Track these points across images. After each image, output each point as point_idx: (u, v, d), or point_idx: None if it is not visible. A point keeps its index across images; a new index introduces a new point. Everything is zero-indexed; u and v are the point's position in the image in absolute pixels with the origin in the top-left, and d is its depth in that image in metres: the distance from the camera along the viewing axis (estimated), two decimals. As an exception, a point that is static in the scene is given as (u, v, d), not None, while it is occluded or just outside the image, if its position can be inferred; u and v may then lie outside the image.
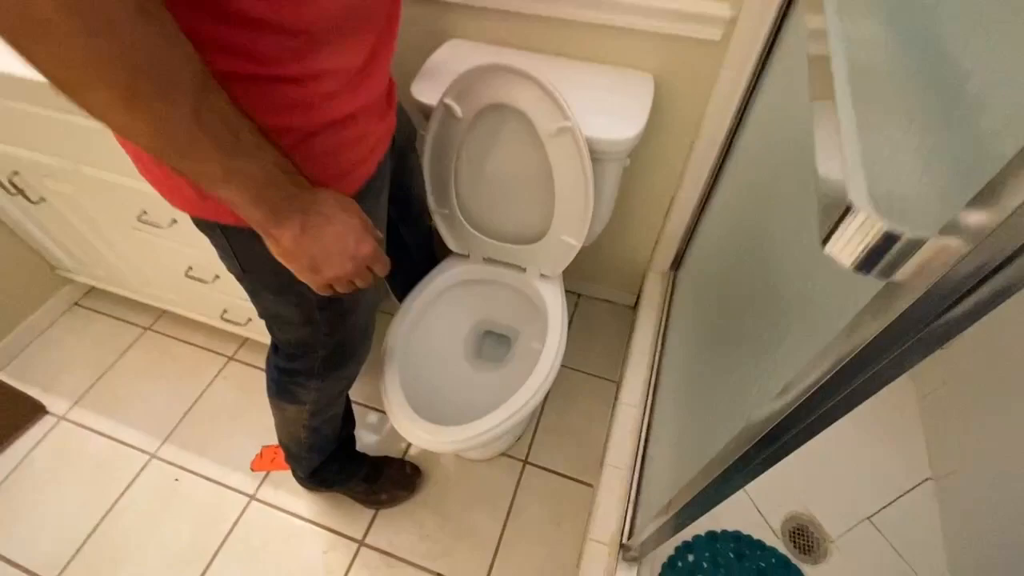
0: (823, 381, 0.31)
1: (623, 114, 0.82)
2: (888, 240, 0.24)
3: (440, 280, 1.01)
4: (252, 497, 1.11)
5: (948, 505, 1.03)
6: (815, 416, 0.34)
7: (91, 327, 1.39)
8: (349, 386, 0.85)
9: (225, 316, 1.17)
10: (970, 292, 0.23)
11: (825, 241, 0.27)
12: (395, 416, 0.84)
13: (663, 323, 1.16)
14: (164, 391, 1.27)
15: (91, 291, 1.46)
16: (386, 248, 0.68)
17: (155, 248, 1.04)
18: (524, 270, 1.01)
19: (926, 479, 1.07)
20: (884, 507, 1.05)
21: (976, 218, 0.21)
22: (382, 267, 0.54)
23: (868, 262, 0.25)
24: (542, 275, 1.00)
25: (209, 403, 1.25)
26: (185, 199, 0.52)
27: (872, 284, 0.27)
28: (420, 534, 1.05)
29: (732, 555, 0.99)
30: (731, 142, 0.92)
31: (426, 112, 0.85)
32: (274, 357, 0.78)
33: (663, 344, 1.12)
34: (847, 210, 0.25)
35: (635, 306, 1.39)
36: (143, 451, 1.17)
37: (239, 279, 0.63)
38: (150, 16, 0.32)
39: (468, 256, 1.03)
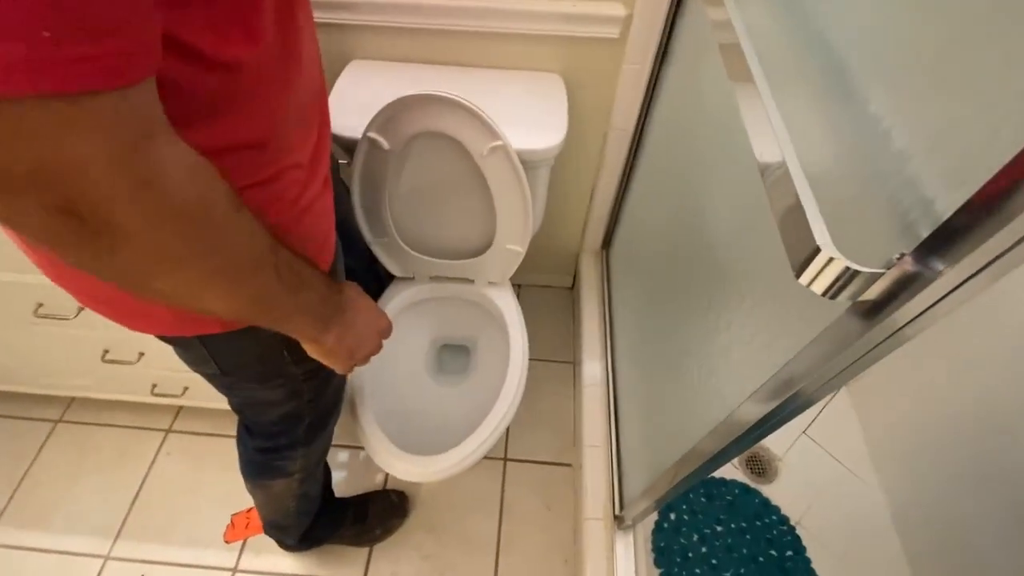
0: (800, 388, 0.37)
1: (545, 120, 0.84)
2: (850, 274, 0.29)
3: (390, 308, 0.99)
4: (235, 571, 1.05)
5: (861, 405, 1.22)
6: (789, 410, 0.40)
7: (-14, 435, 1.21)
8: (331, 441, 0.83)
9: (156, 391, 1.07)
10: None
11: (798, 275, 0.31)
12: (378, 455, 0.83)
13: (606, 300, 1.24)
14: (98, 484, 1.14)
15: (-26, 394, 1.26)
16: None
17: (60, 339, 0.92)
18: (472, 281, 1.02)
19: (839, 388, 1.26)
20: (813, 420, 1.22)
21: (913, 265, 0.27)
22: (389, 331, 0.58)
23: (835, 292, 0.30)
24: (490, 283, 1.02)
25: (157, 484, 1.15)
26: (154, 323, 0.48)
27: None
28: (421, 555, 1.07)
29: (704, 499, 1.11)
30: (642, 128, 0.99)
31: (344, 144, 0.82)
32: (250, 440, 0.74)
33: (611, 320, 1.19)
34: (815, 251, 0.30)
35: (572, 287, 1.45)
36: (95, 555, 1.06)
37: (212, 378, 0.59)
38: (241, 207, 0.34)
39: (413, 278, 1.02)
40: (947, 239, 0.26)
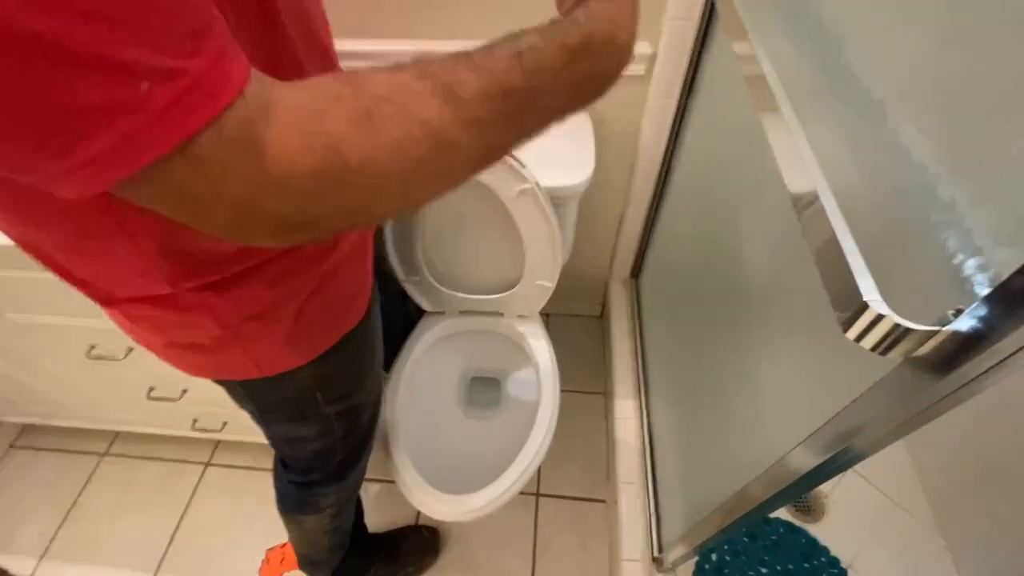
0: (853, 441, 0.36)
1: (572, 158, 0.85)
2: (901, 331, 0.28)
3: (421, 342, 1.00)
4: (270, 606, 1.05)
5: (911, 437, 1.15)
6: (842, 462, 0.39)
7: (37, 468, 1.26)
8: (363, 476, 0.84)
9: (196, 426, 1.10)
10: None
11: (845, 329, 0.31)
12: (412, 493, 0.83)
13: (637, 330, 1.22)
14: (141, 518, 1.17)
15: (27, 429, 1.31)
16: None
17: (109, 378, 0.96)
18: (502, 315, 1.03)
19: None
20: (861, 453, 1.16)
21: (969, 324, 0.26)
22: None
23: (886, 349, 0.29)
24: (520, 316, 1.02)
25: (196, 518, 1.17)
26: (200, 368, 0.51)
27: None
28: (453, 595, 1.05)
29: (746, 539, 1.06)
30: (670, 159, 0.99)
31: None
32: (286, 474, 0.75)
33: (643, 351, 1.18)
34: (863, 307, 0.29)
35: (602, 315, 1.44)
36: (135, 590, 1.08)
37: (252, 414, 0.62)
38: (450, 96, 0.28)
39: (444, 312, 1.03)
40: (1007, 299, 0.25)
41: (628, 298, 1.29)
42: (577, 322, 1.45)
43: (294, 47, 0.38)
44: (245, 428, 1.08)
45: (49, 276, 0.41)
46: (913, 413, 0.33)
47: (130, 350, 0.87)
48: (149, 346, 0.51)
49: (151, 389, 0.98)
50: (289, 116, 0.24)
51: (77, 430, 1.23)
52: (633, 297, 1.29)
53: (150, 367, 0.91)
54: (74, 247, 0.38)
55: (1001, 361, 0.26)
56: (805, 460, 0.44)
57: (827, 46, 0.49)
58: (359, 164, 0.25)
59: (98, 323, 0.81)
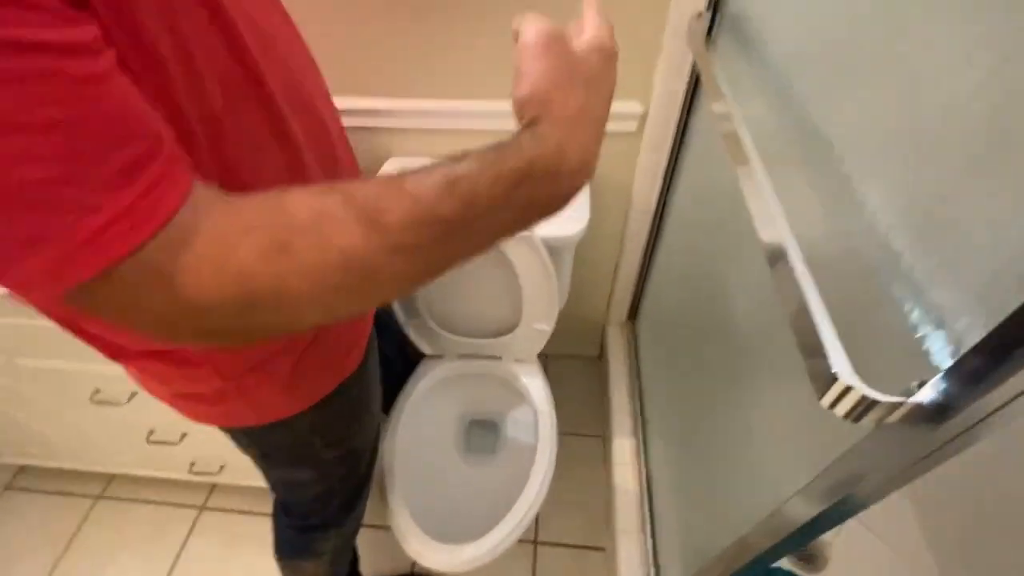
0: (851, 492, 0.37)
1: (567, 210, 0.89)
2: (869, 403, 0.30)
3: (420, 386, 1.01)
4: (260, 659, 1.02)
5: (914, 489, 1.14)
6: (843, 511, 0.40)
7: (31, 510, 1.24)
8: (360, 522, 0.83)
9: (194, 469, 1.10)
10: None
11: (820, 396, 0.32)
12: (408, 543, 0.83)
13: (635, 373, 1.23)
14: (134, 562, 1.15)
15: (23, 470, 1.31)
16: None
17: (110, 421, 0.97)
18: (500, 358, 1.04)
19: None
20: (862, 500, 1.15)
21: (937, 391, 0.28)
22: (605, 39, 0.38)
23: (857, 417, 0.31)
24: (517, 360, 1.04)
25: (189, 564, 1.15)
26: (204, 416, 0.53)
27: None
28: (448, 648, 1.02)
29: (749, 587, 1.04)
30: (663, 208, 1.02)
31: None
32: (285, 519, 0.76)
33: (641, 395, 1.18)
34: (832, 378, 0.31)
35: (600, 356, 1.45)
36: (123, 641, 1.05)
37: (254, 458, 0.63)
38: (375, 225, 0.29)
39: (443, 356, 1.05)
40: (965, 375, 0.27)
41: (625, 341, 1.30)
42: (575, 363, 1.46)
43: (279, 108, 0.40)
44: (242, 471, 1.08)
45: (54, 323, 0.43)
46: (900, 469, 0.34)
47: (133, 394, 0.88)
48: (158, 395, 0.54)
49: (151, 432, 0.98)
50: (205, 247, 0.26)
51: (73, 472, 1.22)
52: (630, 339, 1.30)
53: (151, 411, 0.92)
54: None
55: (968, 428, 0.28)
56: (804, 509, 0.44)
57: (798, 109, 0.53)
58: (270, 291, 0.27)
59: (103, 368, 0.83)
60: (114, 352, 0.47)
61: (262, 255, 0.26)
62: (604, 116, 0.35)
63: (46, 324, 0.75)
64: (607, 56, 0.35)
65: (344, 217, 0.27)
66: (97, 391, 0.88)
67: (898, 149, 0.38)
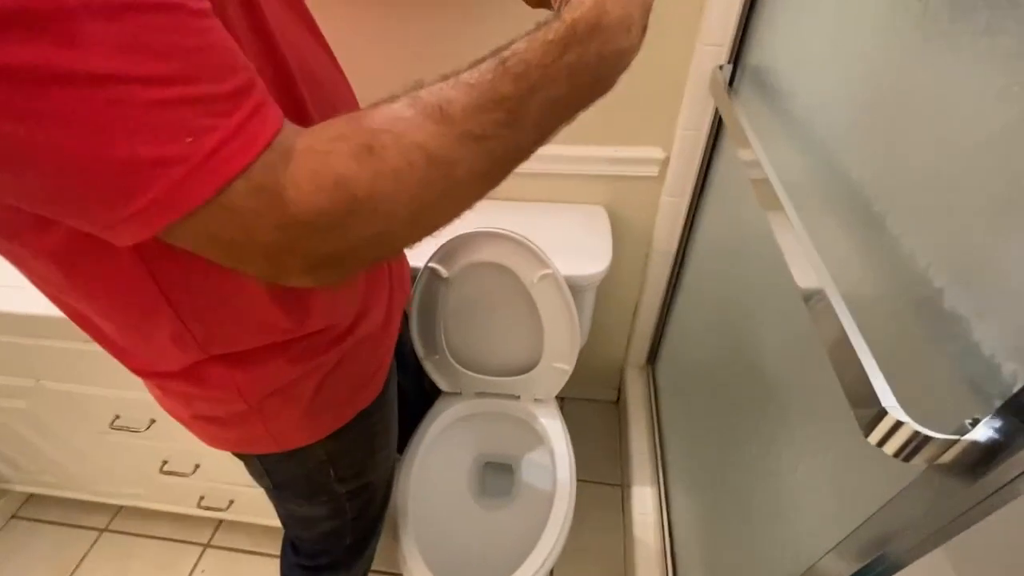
0: (888, 549, 0.35)
1: (591, 249, 0.90)
2: (921, 439, 0.29)
3: (436, 424, 1.00)
4: None
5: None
6: (879, 570, 0.38)
7: (36, 540, 1.22)
8: (371, 565, 0.81)
9: (203, 503, 1.08)
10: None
11: (866, 434, 0.31)
12: (420, 590, 0.79)
13: (654, 420, 1.20)
14: (133, 602, 1.11)
15: (31, 499, 1.29)
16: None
17: (126, 449, 0.96)
18: (518, 398, 1.03)
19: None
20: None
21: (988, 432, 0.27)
22: None
23: (908, 456, 0.30)
24: (536, 399, 1.02)
25: (189, 605, 1.11)
26: (222, 440, 0.53)
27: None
28: None
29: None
30: (684, 251, 1.03)
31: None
32: (294, 557, 0.73)
33: (661, 443, 1.15)
34: (882, 413, 0.30)
35: (618, 401, 1.42)
36: None
37: (267, 490, 0.62)
38: (444, 118, 0.30)
39: (460, 393, 1.04)
40: (1019, 410, 0.26)
41: (644, 384, 1.28)
42: (593, 407, 1.43)
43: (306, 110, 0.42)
44: (251, 508, 1.06)
45: (84, 346, 0.44)
46: (948, 520, 0.32)
47: (152, 422, 0.88)
48: (178, 417, 0.54)
49: (164, 463, 0.97)
50: (301, 159, 0.27)
51: (81, 502, 1.21)
52: (649, 383, 1.28)
53: (168, 440, 0.92)
54: (116, 313, 0.41)
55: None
56: (838, 569, 0.42)
57: (824, 153, 0.54)
58: (366, 195, 0.28)
59: (126, 394, 0.84)
60: (140, 369, 0.47)
61: (352, 157, 0.28)
62: None
63: (75, 347, 0.77)
64: None
65: (413, 116, 0.29)
66: (117, 417, 0.88)
67: (930, 190, 0.39)
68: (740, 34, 0.73)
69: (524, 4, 0.46)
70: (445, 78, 0.30)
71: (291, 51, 0.39)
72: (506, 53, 0.30)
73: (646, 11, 0.35)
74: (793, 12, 0.62)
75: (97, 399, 0.86)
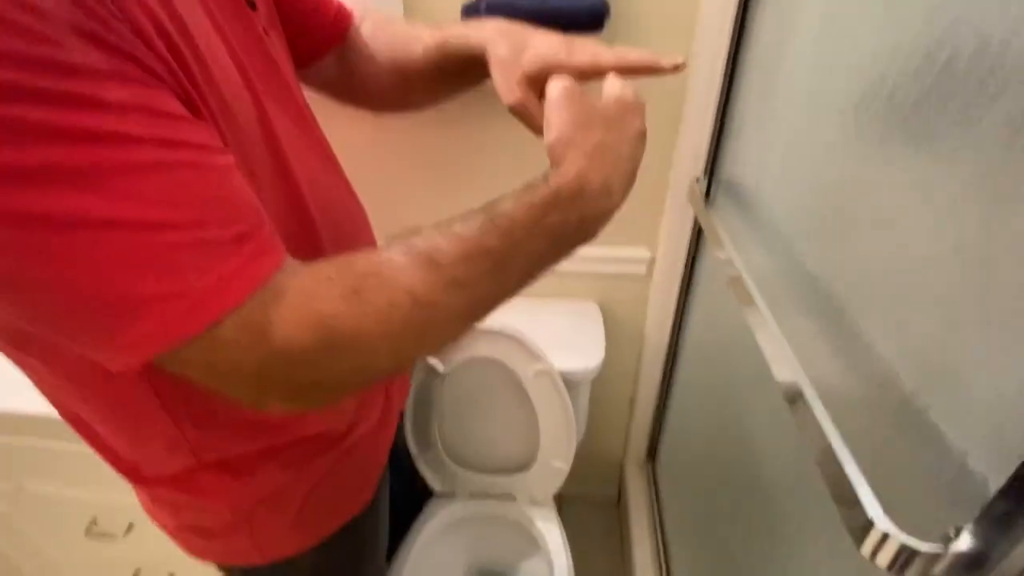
0: None
1: (584, 344, 0.92)
2: (909, 553, 0.29)
3: (427, 529, 0.95)
4: None
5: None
6: None
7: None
8: None
9: (172, 620, 0.99)
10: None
11: (858, 545, 0.31)
12: None
13: (657, 523, 1.14)
14: None
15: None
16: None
17: (98, 558, 0.91)
18: (514, 498, 0.99)
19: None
20: None
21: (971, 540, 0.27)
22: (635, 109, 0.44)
23: (900, 569, 0.30)
24: (533, 501, 0.98)
25: None
26: (207, 551, 0.51)
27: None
28: None
29: None
30: (675, 346, 1.05)
31: (403, 366, 0.90)
32: None
33: (665, 547, 1.09)
34: (869, 524, 0.30)
35: (618, 501, 1.36)
36: None
37: None
38: (430, 264, 0.33)
39: (454, 494, 1.00)
40: (997, 520, 0.27)
41: (645, 483, 1.24)
42: (592, 509, 1.37)
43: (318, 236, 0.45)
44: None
45: (68, 445, 0.44)
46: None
47: (130, 526, 0.84)
48: (164, 525, 0.52)
49: (137, 572, 0.91)
50: (290, 299, 0.29)
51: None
52: (650, 482, 1.23)
53: (144, 548, 0.87)
54: (113, 417, 0.42)
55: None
56: None
57: (796, 256, 0.57)
58: (349, 333, 0.30)
59: (105, 496, 0.81)
60: (131, 472, 0.47)
61: (339, 299, 0.30)
62: (626, 151, 0.41)
63: (58, 446, 0.76)
64: (625, 105, 0.41)
65: (405, 262, 0.32)
66: (94, 523, 0.84)
67: (895, 295, 0.41)
68: (713, 150, 0.82)
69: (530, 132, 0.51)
70: (438, 227, 0.34)
71: (308, 183, 0.43)
72: (495, 211, 0.34)
73: (626, 176, 0.40)
74: (754, 131, 0.70)
75: (76, 502, 0.83)
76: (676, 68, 0.45)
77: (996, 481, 0.28)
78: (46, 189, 0.24)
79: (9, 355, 0.38)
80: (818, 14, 0.54)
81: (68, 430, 0.44)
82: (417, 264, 0.32)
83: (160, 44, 0.28)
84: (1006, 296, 0.31)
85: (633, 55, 0.45)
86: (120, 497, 0.81)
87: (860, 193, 0.46)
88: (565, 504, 1.37)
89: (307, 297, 0.30)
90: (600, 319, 0.98)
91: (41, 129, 0.23)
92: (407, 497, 0.99)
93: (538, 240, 0.35)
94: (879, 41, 0.41)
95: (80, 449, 0.47)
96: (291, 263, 0.31)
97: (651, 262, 0.96)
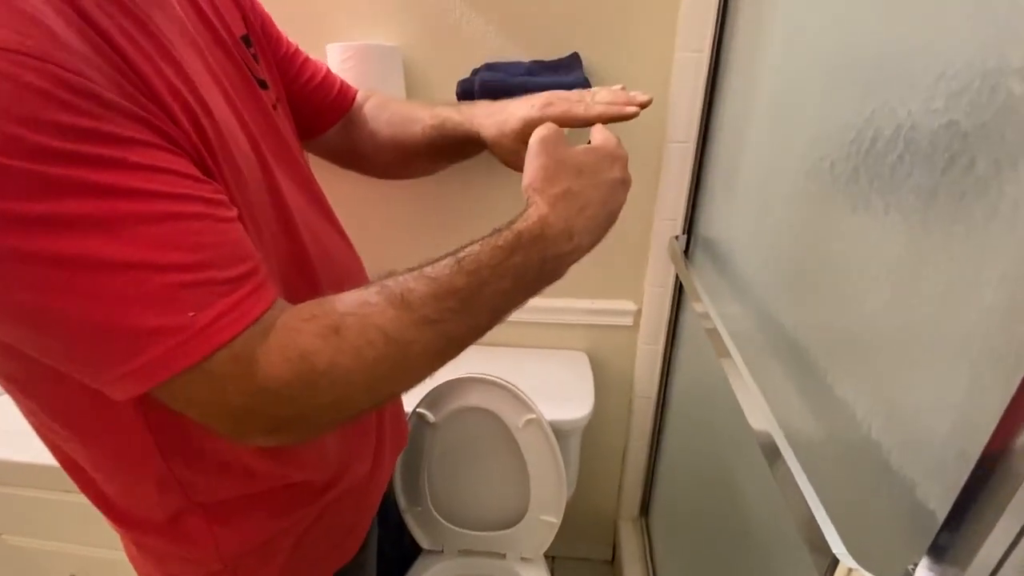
0: None
1: (574, 393, 0.94)
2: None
3: (416, 587, 0.92)
4: None
5: None
6: None
7: None
8: None
9: None
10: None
11: (825, 581, 0.33)
12: None
13: (651, 582, 1.11)
14: None
15: None
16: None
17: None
18: (504, 556, 0.97)
19: None
20: None
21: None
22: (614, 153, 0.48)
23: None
24: (523, 558, 0.96)
25: None
26: None
27: None
28: None
29: None
30: (664, 396, 1.07)
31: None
32: None
33: (659, 609, 1.05)
34: (834, 562, 0.32)
35: (612, 560, 1.32)
36: None
37: None
38: (402, 304, 0.36)
39: (442, 551, 0.98)
40: (945, 549, 0.29)
41: (639, 540, 1.21)
42: (586, 568, 1.33)
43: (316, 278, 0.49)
44: None
45: (50, 495, 0.44)
46: None
47: (109, 584, 0.81)
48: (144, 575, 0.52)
49: (110, 637, 0.87)
50: (276, 334, 0.32)
51: None
52: (644, 539, 1.21)
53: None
54: (107, 456, 0.43)
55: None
56: None
57: (767, 309, 0.61)
58: (326, 368, 0.33)
59: (85, 551, 0.79)
60: (120, 518, 0.47)
61: (318, 335, 0.33)
62: (597, 197, 0.43)
63: (41, 496, 0.75)
64: (603, 154, 0.45)
65: (379, 301, 0.35)
66: (72, 579, 0.82)
67: (852, 340, 0.45)
68: (690, 210, 0.87)
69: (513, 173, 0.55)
70: (411, 270, 0.37)
71: (308, 232, 0.48)
72: (462, 253, 0.38)
73: (594, 220, 0.43)
74: (725, 194, 0.76)
75: (56, 556, 0.80)
76: (643, 106, 0.51)
77: (943, 514, 0.30)
78: (76, 235, 0.28)
79: (13, 396, 0.40)
80: (768, 92, 0.60)
81: (50, 479, 0.45)
82: (390, 303, 0.35)
83: (184, 119, 0.34)
84: (938, 339, 0.34)
85: (596, 109, 0.50)
86: (101, 552, 0.79)
87: (816, 250, 0.50)
88: (558, 564, 1.33)
89: (290, 332, 0.33)
90: (589, 369, 1.00)
91: (79, 186, 0.28)
92: (396, 552, 0.97)
93: (503, 280, 0.38)
94: (819, 120, 0.47)
95: (61, 499, 0.47)
96: (281, 303, 0.35)
97: (637, 313, 0.99)
